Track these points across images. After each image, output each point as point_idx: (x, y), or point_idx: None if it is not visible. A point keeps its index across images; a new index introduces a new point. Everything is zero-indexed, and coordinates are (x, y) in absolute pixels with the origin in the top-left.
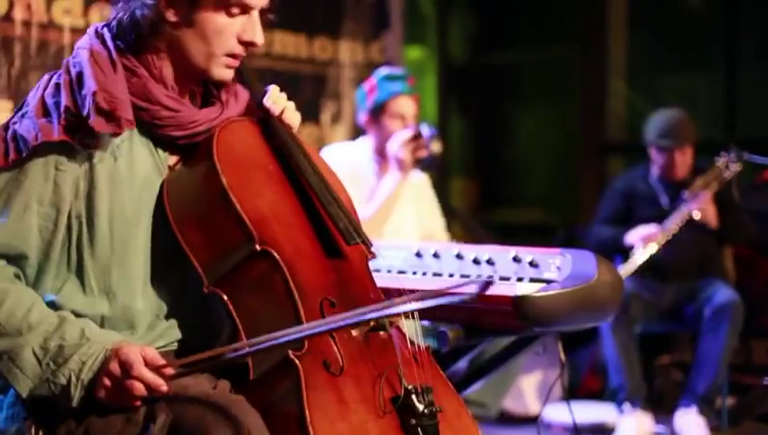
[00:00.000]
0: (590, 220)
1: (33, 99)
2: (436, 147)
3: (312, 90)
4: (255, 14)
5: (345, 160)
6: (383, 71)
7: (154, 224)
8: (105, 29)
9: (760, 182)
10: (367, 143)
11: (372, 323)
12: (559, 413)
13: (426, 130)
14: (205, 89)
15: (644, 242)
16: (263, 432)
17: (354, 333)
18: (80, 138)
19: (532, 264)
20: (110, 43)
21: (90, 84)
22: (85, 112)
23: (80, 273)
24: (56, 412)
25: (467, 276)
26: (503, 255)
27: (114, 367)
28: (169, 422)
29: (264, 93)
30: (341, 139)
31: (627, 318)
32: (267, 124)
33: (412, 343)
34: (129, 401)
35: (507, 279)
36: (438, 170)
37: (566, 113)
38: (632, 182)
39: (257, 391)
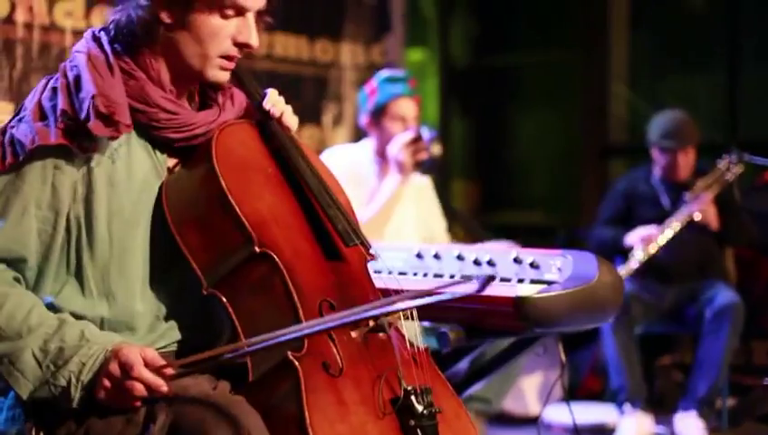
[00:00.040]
0: (591, 222)
1: (30, 103)
2: (436, 149)
3: (313, 92)
4: (250, 15)
5: (346, 162)
6: (384, 73)
7: (153, 226)
8: (102, 32)
9: (761, 183)
10: (368, 145)
11: (371, 324)
12: (559, 414)
13: (426, 133)
14: (201, 92)
15: (643, 243)
16: (263, 433)
17: (353, 334)
18: (77, 141)
19: (532, 265)
20: (107, 47)
21: (88, 88)
22: (83, 116)
23: (79, 275)
24: (56, 414)
25: (468, 278)
26: (503, 256)
27: (114, 368)
28: (169, 423)
29: (263, 96)
30: (343, 141)
31: (627, 319)
32: (266, 127)
33: (411, 344)
34: (130, 402)
35: (508, 280)
36: (438, 173)
37: (567, 116)
38: (634, 183)
39: (257, 393)
